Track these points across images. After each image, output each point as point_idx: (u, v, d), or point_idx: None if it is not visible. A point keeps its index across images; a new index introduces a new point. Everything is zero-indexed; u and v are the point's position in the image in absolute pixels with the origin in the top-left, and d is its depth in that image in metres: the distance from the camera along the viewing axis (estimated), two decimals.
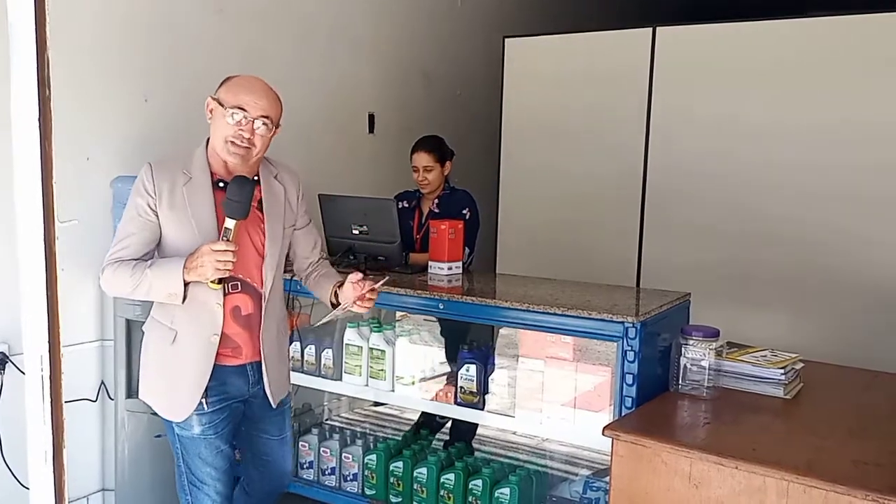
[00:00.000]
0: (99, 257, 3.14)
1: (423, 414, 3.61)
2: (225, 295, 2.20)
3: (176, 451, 2.31)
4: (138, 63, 3.28)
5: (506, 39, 4.74)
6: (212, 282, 2.11)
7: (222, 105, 2.17)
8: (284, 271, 2.44)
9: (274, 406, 2.39)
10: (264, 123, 2.18)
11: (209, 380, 2.21)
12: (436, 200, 3.64)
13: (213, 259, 2.06)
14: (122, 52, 3.21)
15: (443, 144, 3.65)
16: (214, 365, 2.21)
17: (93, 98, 3.12)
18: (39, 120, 1.14)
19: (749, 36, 3.96)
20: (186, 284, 2.11)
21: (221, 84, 2.24)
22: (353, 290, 2.28)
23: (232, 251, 2.09)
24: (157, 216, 2.17)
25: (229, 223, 2.11)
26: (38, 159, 1.14)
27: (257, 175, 2.29)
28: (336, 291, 2.40)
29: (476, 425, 3.44)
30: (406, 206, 3.67)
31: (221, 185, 2.21)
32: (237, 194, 2.12)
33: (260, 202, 2.27)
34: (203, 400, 2.21)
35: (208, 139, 2.26)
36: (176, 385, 2.24)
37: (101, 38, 3.13)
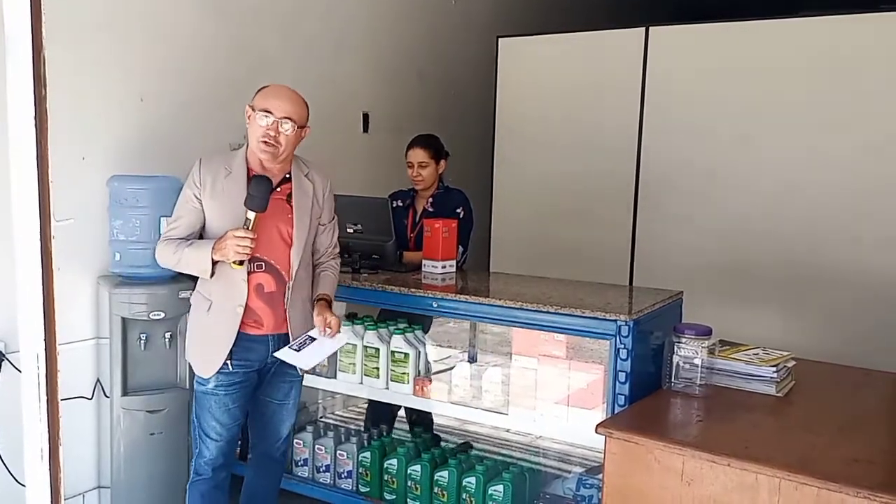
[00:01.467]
0: (95, 256, 3.20)
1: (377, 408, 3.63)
2: (250, 273, 2.52)
3: (194, 406, 2.67)
4: (134, 62, 3.28)
5: (499, 39, 4.75)
6: (232, 263, 2.44)
7: (254, 110, 2.49)
8: None
9: (300, 374, 2.71)
10: (290, 124, 2.47)
11: (235, 345, 2.54)
12: (430, 199, 3.64)
13: (235, 244, 2.41)
14: (118, 52, 3.21)
15: (438, 142, 3.65)
16: (240, 332, 2.54)
17: (89, 97, 3.12)
18: (35, 119, 1.14)
19: (742, 35, 3.97)
20: (214, 263, 2.47)
21: (256, 92, 2.55)
22: (315, 320, 2.62)
23: (251, 238, 2.41)
24: (201, 204, 2.54)
25: (250, 214, 2.43)
26: (34, 158, 1.14)
27: (289, 172, 2.60)
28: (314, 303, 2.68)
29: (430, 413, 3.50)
30: (400, 205, 3.67)
31: None
32: (256, 190, 2.45)
33: (289, 195, 2.58)
34: (228, 361, 2.54)
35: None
36: (208, 345, 2.58)
37: (98, 38, 3.13)
